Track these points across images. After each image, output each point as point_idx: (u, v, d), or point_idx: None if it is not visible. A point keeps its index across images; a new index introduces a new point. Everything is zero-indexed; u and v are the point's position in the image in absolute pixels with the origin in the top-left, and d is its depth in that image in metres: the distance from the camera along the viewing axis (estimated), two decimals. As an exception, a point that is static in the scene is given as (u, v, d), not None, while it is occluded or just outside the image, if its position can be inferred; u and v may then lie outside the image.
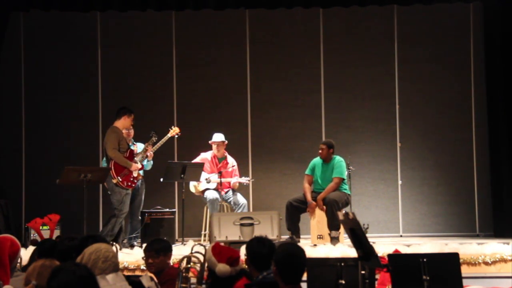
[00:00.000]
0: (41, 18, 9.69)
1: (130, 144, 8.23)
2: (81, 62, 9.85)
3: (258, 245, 4.22)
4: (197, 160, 8.68)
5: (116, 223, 7.72)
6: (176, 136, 8.43)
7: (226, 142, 8.72)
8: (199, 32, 9.95)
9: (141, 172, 8.22)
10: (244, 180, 8.63)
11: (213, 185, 8.49)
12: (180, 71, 9.94)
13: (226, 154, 8.75)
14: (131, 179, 7.82)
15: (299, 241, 7.82)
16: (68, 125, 9.68)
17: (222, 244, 4.69)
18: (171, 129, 8.33)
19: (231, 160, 8.76)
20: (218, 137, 8.67)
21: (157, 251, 4.88)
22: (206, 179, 8.46)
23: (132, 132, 8.28)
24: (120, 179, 7.72)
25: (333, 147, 8.23)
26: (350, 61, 9.84)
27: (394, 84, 9.81)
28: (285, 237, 8.05)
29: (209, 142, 8.69)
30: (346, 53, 9.85)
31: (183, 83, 9.93)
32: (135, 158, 7.88)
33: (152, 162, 8.36)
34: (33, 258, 5.11)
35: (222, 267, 4.35)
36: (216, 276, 4.37)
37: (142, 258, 5.06)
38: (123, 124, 7.91)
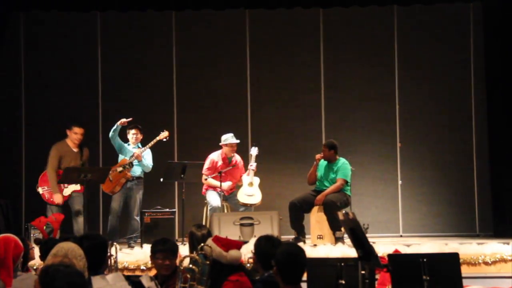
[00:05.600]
0: (41, 18, 9.69)
1: (134, 146, 8.22)
2: (81, 62, 9.84)
3: (267, 244, 4.24)
4: (208, 162, 8.50)
5: None
6: (164, 140, 8.22)
7: None
8: (199, 32, 9.94)
9: (138, 172, 8.17)
10: (251, 168, 8.52)
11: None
12: (180, 71, 9.93)
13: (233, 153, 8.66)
14: (52, 199, 7.95)
15: (304, 241, 7.82)
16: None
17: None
18: (162, 132, 8.20)
19: (238, 158, 8.68)
20: (234, 138, 8.54)
21: (174, 251, 4.64)
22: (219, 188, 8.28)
23: (139, 136, 8.25)
24: (41, 192, 7.92)
25: (335, 147, 8.19)
26: (350, 61, 9.83)
27: (394, 84, 9.81)
28: (285, 237, 8.06)
29: (224, 143, 8.47)
30: (346, 53, 9.84)
31: (183, 83, 9.93)
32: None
33: (146, 163, 8.20)
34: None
35: (234, 252, 4.31)
36: (217, 267, 4.31)
37: (155, 259, 4.65)
38: (71, 138, 8.06)
